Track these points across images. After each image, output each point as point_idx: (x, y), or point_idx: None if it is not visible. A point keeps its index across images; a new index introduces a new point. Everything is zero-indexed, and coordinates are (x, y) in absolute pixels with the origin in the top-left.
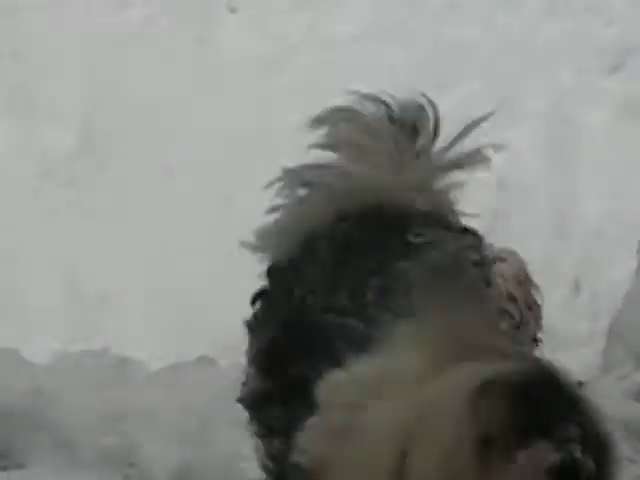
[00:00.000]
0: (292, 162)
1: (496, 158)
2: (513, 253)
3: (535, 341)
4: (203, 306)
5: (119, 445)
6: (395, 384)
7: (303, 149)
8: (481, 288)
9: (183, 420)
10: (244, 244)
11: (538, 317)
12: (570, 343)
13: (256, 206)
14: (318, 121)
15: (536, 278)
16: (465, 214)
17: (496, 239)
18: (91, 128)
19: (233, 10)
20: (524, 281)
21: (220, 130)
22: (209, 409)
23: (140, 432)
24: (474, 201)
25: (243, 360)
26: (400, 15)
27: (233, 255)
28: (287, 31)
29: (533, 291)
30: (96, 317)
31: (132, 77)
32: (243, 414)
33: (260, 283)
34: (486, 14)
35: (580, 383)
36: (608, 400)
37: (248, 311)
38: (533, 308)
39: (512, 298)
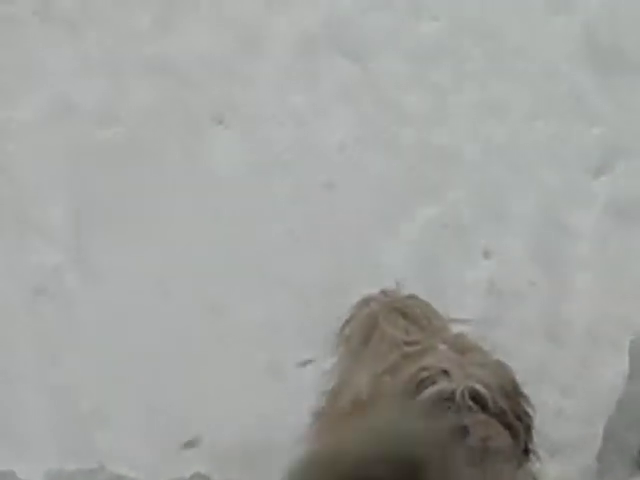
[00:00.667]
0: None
1: (485, 263)
2: (501, 364)
3: (527, 452)
4: (201, 421)
5: None
6: None
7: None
8: None
9: None
10: None
11: (527, 428)
12: (565, 448)
13: (247, 316)
14: None
15: (528, 384)
16: (456, 321)
17: (487, 346)
18: (81, 243)
19: (220, 122)
20: (512, 392)
21: (210, 241)
22: None
23: None
24: (464, 307)
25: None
26: (385, 123)
27: (227, 369)
28: (274, 141)
29: (522, 402)
30: (90, 434)
31: (120, 191)
32: None
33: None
34: (470, 120)
35: None
36: None
37: (244, 422)
38: (523, 419)
39: (500, 409)
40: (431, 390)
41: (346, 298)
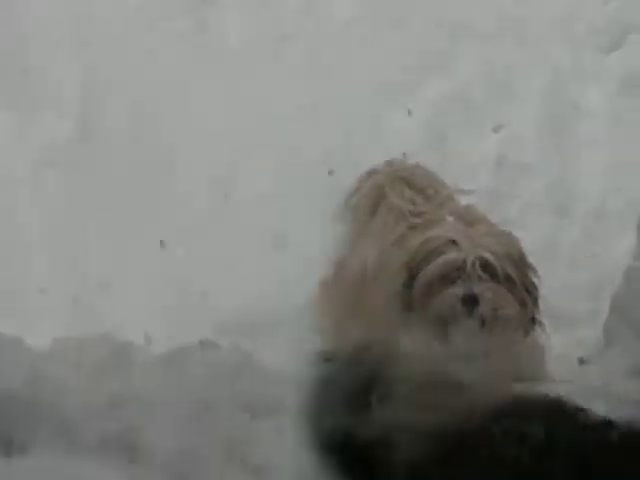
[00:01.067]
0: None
1: (495, 138)
2: (509, 235)
3: (533, 321)
4: (204, 290)
5: (121, 430)
6: None
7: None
8: None
9: (185, 404)
10: None
11: (535, 297)
12: (572, 321)
13: (256, 188)
14: None
15: (536, 258)
16: (463, 191)
17: (495, 219)
18: (91, 114)
19: None
20: (519, 262)
21: (220, 111)
22: (211, 392)
23: (142, 416)
24: (473, 180)
25: (244, 343)
26: None
27: (233, 239)
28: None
29: (529, 272)
30: (97, 302)
31: (132, 61)
32: (245, 396)
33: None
34: None
35: (582, 360)
36: (611, 378)
37: (248, 294)
38: (530, 288)
39: (509, 278)
40: (440, 260)
41: (354, 172)
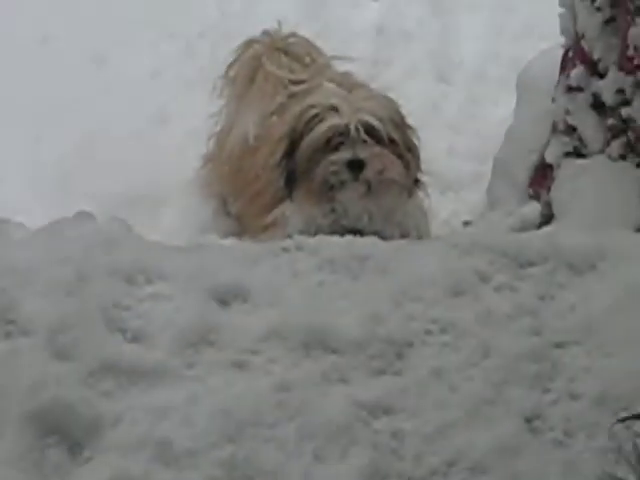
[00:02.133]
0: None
1: (374, 5)
2: (387, 97)
3: (417, 182)
4: (84, 170)
5: None
6: None
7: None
8: None
9: (61, 274)
10: None
11: (417, 158)
12: (456, 185)
13: (134, 67)
14: None
15: (419, 123)
16: (340, 58)
17: (377, 86)
18: None
19: None
20: (400, 124)
21: None
22: (87, 262)
23: (18, 289)
24: (354, 49)
25: (119, 215)
26: None
27: (108, 115)
28: None
29: (410, 134)
30: None
31: None
32: (122, 265)
33: None
34: None
35: (466, 222)
36: (492, 233)
37: (127, 179)
38: (412, 149)
39: (392, 141)
40: (322, 126)
41: (232, 44)
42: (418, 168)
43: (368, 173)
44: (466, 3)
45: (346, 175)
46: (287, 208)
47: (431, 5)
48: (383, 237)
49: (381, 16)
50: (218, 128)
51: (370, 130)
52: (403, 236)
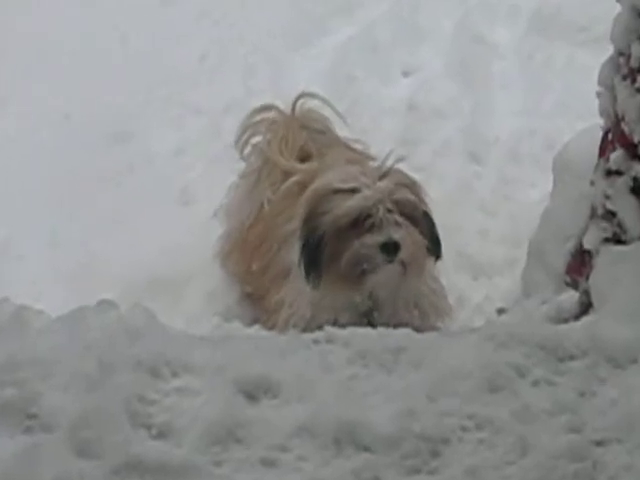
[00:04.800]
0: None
1: (404, 82)
2: (400, 171)
3: (438, 258)
4: (106, 255)
5: (18, 396)
6: None
7: None
8: None
9: (84, 366)
10: None
11: (432, 223)
12: (489, 270)
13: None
14: None
15: (451, 204)
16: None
17: (408, 167)
18: None
19: None
20: (421, 199)
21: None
22: (110, 353)
23: (40, 381)
24: (383, 127)
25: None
26: None
27: (136, 204)
28: None
29: (422, 193)
30: None
31: None
32: (146, 356)
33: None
34: None
35: (501, 310)
36: (527, 324)
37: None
38: (434, 225)
39: (417, 220)
40: (346, 208)
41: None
42: (435, 234)
43: (403, 254)
44: (499, 79)
45: (380, 258)
46: (294, 290)
47: (463, 81)
48: (402, 323)
49: (412, 92)
50: (231, 203)
51: (398, 210)
52: (422, 320)
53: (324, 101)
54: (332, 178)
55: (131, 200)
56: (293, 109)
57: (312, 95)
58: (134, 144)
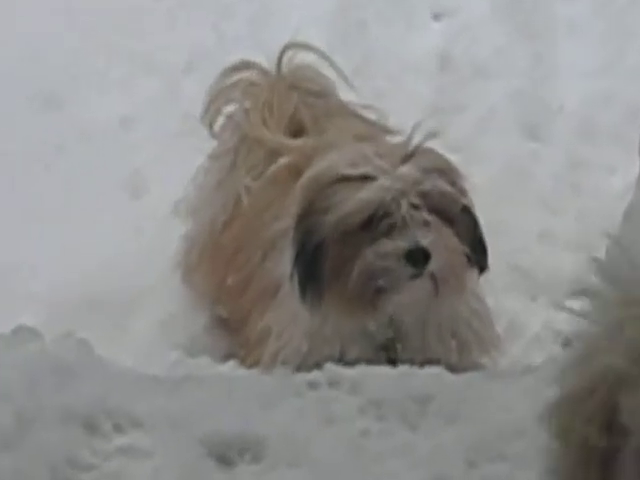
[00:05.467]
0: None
1: (435, 27)
2: (434, 152)
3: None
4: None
5: None
6: None
7: None
8: None
9: None
10: None
11: (476, 223)
12: (551, 286)
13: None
14: None
15: (501, 196)
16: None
17: (442, 145)
18: None
19: None
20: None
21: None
22: (31, 400)
23: None
24: (407, 92)
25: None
26: None
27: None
28: None
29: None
30: None
31: None
32: (80, 405)
33: None
34: None
35: (567, 342)
36: None
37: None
38: (476, 224)
39: (452, 220)
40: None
41: None
42: (483, 252)
43: (434, 266)
44: (566, 26)
45: (403, 271)
46: (284, 313)
47: (516, 28)
48: (432, 360)
49: (445, 42)
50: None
51: (432, 202)
52: (461, 355)
53: (321, 54)
54: (336, 161)
55: (62, 189)
56: (279, 65)
57: (305, 46)
58: (66, 113)
